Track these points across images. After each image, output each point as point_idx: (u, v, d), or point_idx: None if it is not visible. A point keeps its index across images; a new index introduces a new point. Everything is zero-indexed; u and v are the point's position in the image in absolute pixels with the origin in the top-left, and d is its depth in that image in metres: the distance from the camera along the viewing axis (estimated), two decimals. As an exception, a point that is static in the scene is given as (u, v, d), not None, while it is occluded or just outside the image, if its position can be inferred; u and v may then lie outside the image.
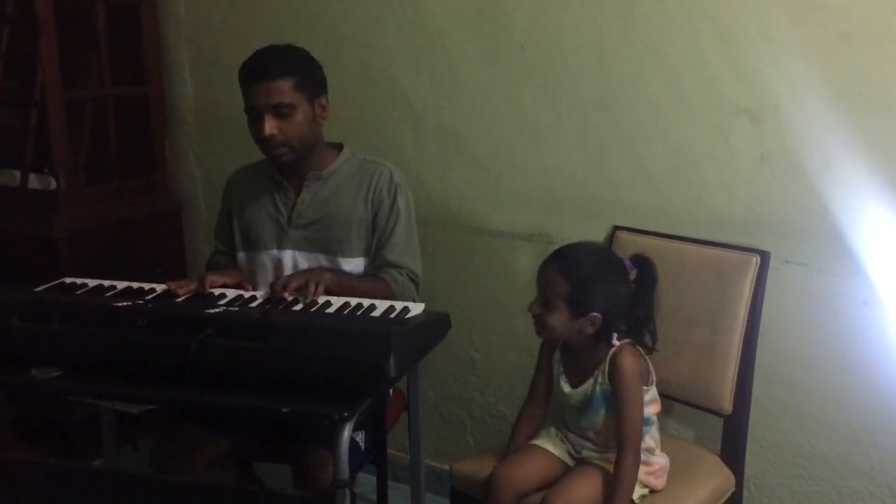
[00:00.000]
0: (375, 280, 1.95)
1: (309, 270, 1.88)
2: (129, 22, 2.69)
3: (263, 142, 1.91)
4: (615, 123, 2.12)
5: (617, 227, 2.14)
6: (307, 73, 1.94)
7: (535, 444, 1.84)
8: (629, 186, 2.14)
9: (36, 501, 1.72)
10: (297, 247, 2.01)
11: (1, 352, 1.65)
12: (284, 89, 1.88)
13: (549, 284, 1.72)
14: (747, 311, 1.90)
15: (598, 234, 2.17)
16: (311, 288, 1.76)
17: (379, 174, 2.00)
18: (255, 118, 1.91)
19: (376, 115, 2.42)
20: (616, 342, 1.74)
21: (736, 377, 1.91)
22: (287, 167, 1.98)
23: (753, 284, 1.90)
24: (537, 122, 2.22)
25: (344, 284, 1.87)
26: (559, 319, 1.71)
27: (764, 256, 1.91)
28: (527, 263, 2.30)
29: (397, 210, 1.99)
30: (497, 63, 2.24)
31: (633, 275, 1.76)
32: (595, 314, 1.70)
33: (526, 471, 1.77)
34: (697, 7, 1.96)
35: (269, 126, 1.88)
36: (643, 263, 1.76)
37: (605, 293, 1.70)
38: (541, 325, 1.75)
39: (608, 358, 1.73)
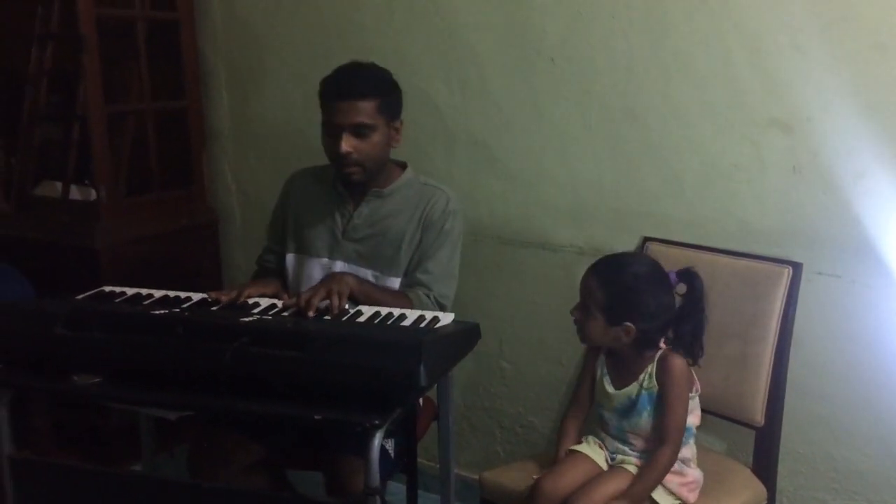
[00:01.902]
0: (399, 296, 1.95)
1: (331, 278, 1.88)
2: (168, 38, 2.76)
3: (338, 158, 1.92)
4: (645, 135, 2.12)
5: (647, 238, 2.14)
6: (390, 95, 1.96)
7: (576, 451, 1.85)
8: (659, 197, 2.14)
9: (76, 505, 1.76)
10: (347, 259, 2.02)
11: (43, 359, 1.69)
12: (367, 110, 1.90)
13: (588, 292, 1.76)
14: (779, 322, 1.89)
15: (628, 245, 2.17)
16: (335, 301, 1.78)
17: (437, 198, 2.01)
18: (332, 134, 1.92)
19: (407, 127, 2.42)
20: (663, 345, 1.77)
21: (768, 389, 1.90)
22: (355, 185, 2.00)
23: (785, 296, 1.89)
24: (567, 133, 2.24)
25: (366, 292, 1.89)
26: (595, 327, 1.75)
27: (796, 268, 1.90)
28: (557, 274, 2.31)
29: (445, 234, 2.00)
30: (527, 75, 2.26)
31: (680, 289, 1.78)
32: (628, 324, 1.72)
33: (569, 480, 1.78)
34: (727, 18, 1.96)
35: (347, 144, 1.89)
36: (689, 278, 1.77)
37: (640, 305, 1.72)
38: (580, 331, 1.79)
39: (656, 359, 1.76)
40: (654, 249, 2.10)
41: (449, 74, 2.38)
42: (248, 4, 2.73)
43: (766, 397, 1.90)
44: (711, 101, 2.02)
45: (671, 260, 2.00)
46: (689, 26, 2.01)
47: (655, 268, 1.78)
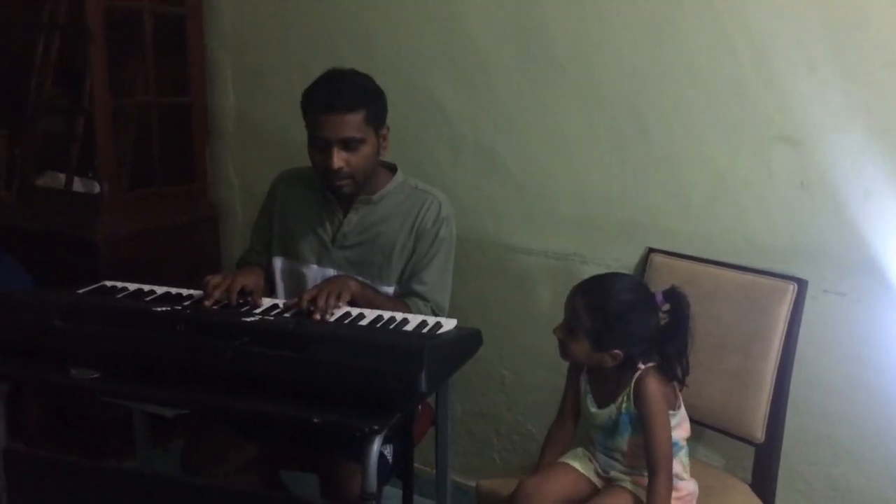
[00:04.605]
0: (398, 303, 1.94)
1: (335, 280, 1.87)
2: (175, 33, 2.74)
3: (328, 172, 1.89)
4: (653, 146, 2.12)
5: (651, 250, 2.13)
6: (376, 104, 1.92)
7: (563, 462, 1.84)
8: (665, 210, 2.13)
9: (69, 500, 1.75)
10: (337, 267, 2.00)
11: (42, 351, 1.68)
12: (356, 123, 1.86)
13: (575, 315, 1.73)
14: (783, 339, 1.88)
15: (632, 257, 2.16)
16: (331, 301, 1.75)
17: (428, 205, 1.99)
18: (321, 148, 1.89)
19: (414, 131, 2.44)
20: (641, 366, 1.73)
21: (769, 405, 1.89)
22: (346, 198, 1.98)
23: (790, 312, 1.88)
24: (574, 142, 2.23)
25: (368, 297, 1.88)
26: (580, 349, 1.73)
27: (801, 285, 1.89)
28: (559, 283, 2.30)
29: (439, 242, 1.98)
30: (536, 82, 2.25)
31: (666, 307, 1.74)
32: (616, 351, 1.70)
33: (552, 486, 1.77)
34: (739, 33, 1.95)
35: (338, 159, 1.86)
36: (676, 298, 1.73)
37: (628, 333, 1.70)
38: (563, 350, 1.77)
39: (633, 382, 1.72)
40: (659, 261, 2.09)
41: (456, 78, 2.37)
42: (257, 1, 2.71)
43: (768, 413, 1.89)
44: (720, 115, 2.01)
45: (675, 272, 1.99)
46: (700, 38, 2.01)
47: (643, 291, 1.75)
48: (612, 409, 1.75)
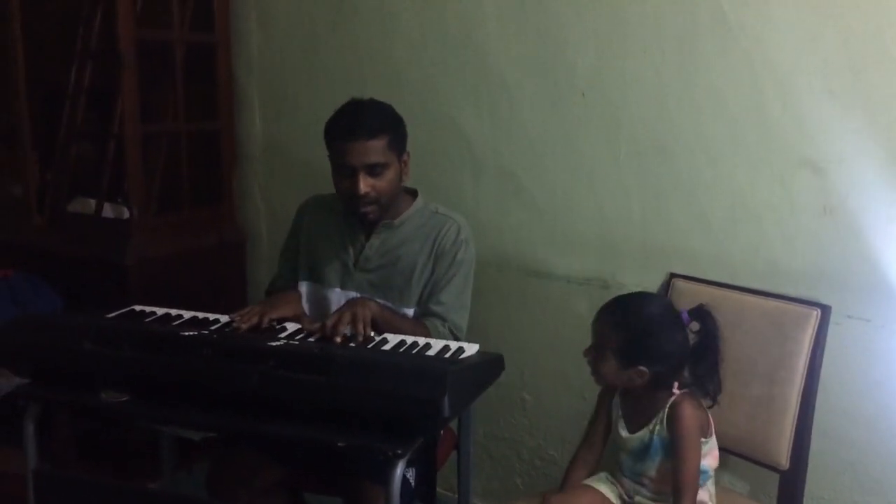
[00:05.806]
0: (417, 324, 1.96)
1: (355, 303, 1.88)
2: (204, 61, 2.81)
3: (354, 198, 1.93)
4: (674, 171, 2.12)
5: (673, 275, 2.13)
6: (397, 130, 1.97)
7: (587, 484, 1.84)
8: (687, 234, 2.13)
9: (96, 521, 1.77)
10: (360, 290, 2.03)
11: (73, 374, 1.72)
12: (379, 148, 1.91)
13: (601, 334, 1.75)
14: (806, 365, 1.87)
15: (654, 281, 2.17)
16: (360, 328, 1.78)
17: (448, 228, 2.02)
18: (346, 175, 1.93)
19: (437, 156, 2.47)
20: (676, 391, 1.74)
21: (794, 432, 1.87)
22: (371, 223, 2.01)
23: (813, 338, 1.87)
24: (596, 166, 2.24)
25: (387, 319, 1.90)
26: (608, 368, 1.74)
27: (825, 310, 1.88)
28: (581, 307, 2.31)
29: (457, 264, 2.00)
30: (557, 108, 2.27)
31: (694, 326, 1.75)
32: (642, 368, 1.70)
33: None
34: (760, 58, 1.96)
35: (364, 185, 1.91)
36: (703, 316, 1.75)
37: (653, 349, 1.70)
38: (593, 371, 1.78)
39: (667, 406, 1.73)
40: (681, 286, 2.09)
41: (479, 105, 2.40)
42: (284, 31, 2.77)
43: (792, 440, 1.88)
44: (742, 140, 2.02)
45: (698, 298, 1.98)
46: (722, 64, 2.02)
47: (668, 308, 1.76)
48: (645, 432, 1.75)
